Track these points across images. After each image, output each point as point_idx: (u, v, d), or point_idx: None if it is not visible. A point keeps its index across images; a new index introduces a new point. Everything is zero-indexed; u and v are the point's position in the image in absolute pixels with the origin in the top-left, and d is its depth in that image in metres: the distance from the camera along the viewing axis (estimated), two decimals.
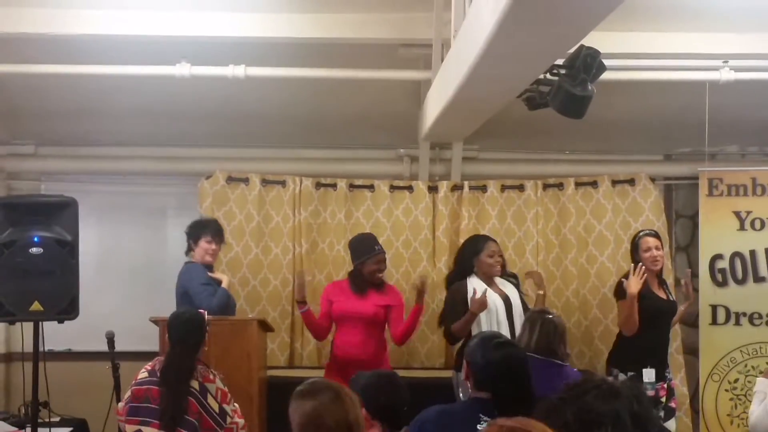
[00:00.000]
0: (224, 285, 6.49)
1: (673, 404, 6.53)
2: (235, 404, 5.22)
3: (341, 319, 6.54)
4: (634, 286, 6.33)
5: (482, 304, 6.26)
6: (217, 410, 5.09)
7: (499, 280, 6.67)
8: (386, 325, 6.64)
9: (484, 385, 3.99)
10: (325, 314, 6.62)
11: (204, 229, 6.67)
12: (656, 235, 6.68)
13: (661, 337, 6.52)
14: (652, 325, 6.44)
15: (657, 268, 6.58)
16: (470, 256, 6.67)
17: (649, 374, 6.26)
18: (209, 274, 6.56)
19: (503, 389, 3.93)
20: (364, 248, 6.61)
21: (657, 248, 6.57)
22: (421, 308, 6.61)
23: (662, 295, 6.60)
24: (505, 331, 6.14)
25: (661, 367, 6.43)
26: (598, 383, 2.73)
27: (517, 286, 6.75)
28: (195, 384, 5.12)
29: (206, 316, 5.44)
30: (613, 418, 2.61)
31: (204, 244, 6.61)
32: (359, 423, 3.31)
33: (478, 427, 3.86)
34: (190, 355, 5.21)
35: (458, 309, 6.45)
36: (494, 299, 6.44)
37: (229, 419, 5.12)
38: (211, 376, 5.18)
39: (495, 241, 6.81)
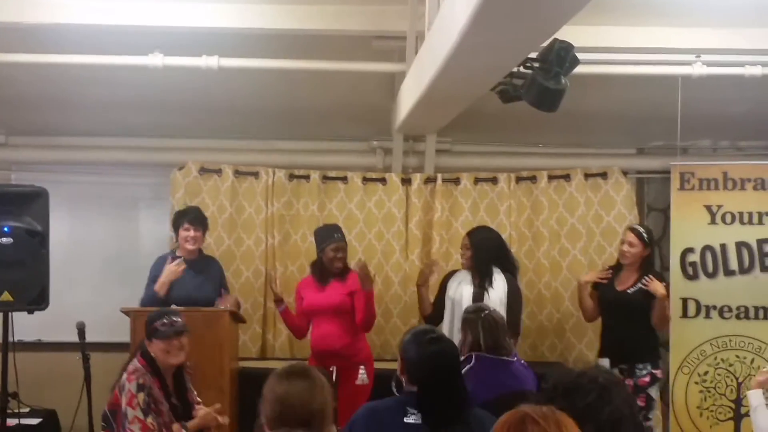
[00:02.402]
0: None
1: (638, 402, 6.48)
2: (147, 419, 4.95)
3: (312, 313, 6.52)
4: (584, 275, 6.99)
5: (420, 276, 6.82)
6: (123, 409, 4.98)
7: (498, 277, 6.61)
8: None
9: (416, 379, 4.00)
10: (300, 312, 6.60)
11: (182, 218, 6.66)
12: (633, 230, 6.74)
13: (617, 328, 6.58)
14: (605, 316, 6.75)
15: (625, 262, 6.69)
16: None
17: (602, 363, 6.34)
18: None
19: (433, 384, 3.93)
20: (323, 236, 6.60)
21: (629, 243, 6.65)
22: (368, 294, 6.42)
23: (621, 287, 6.64)
24: None
25: (626, 361, 6.44)
26: (604, 383, 2.92)
27: (511, 280, 6.62)
28: (123, 377, 5.05)
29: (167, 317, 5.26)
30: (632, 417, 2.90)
31: (182, 232, 6.60)
32: (324, 412, 3.31)
33: (405, 419, 3.88)
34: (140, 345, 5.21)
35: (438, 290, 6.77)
36: (462, 292, 6.48)
37: (127, 423, 4.95)
38: (134, 377, 5.03)
39: (467, 234, 6.81)
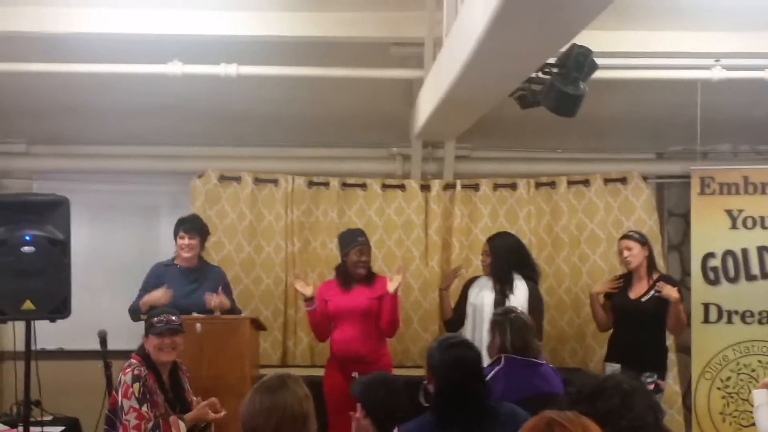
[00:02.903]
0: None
1: None
2: (142, 408, 5.04)
3: (338, 316, 6.46)
4: (595, 287, 6.98)
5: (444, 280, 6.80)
6: (119, 403, 5.09)
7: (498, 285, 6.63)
8: None
9: (438, 384, 4.00)
10: (323, 314, 6.54)
11: (179, 226, 6.67)
12: (628, 236, 6.75)
13: (629, 335, 6.54)
14: (618, 323, 6.70)
15: (630, 267, 6.68)
16: None
17: (611, 368, 6.31)
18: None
19: (452, 389, 3.93)
20: (347, 240, 6.57)
21: (627, 249, 6.65)
22: (393, 297, 6.43)
23: (634, 295, 6.63)
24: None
25: (633, 368, 6.34)
26: (628, 389, 2.88)
27: (533, 287, 6.62)
28: (120, 376, 5.19)
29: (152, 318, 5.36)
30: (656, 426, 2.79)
31: (178, 240, 6.63)
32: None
33: None
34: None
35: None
36: (483, 298, 6.47)
37: (123, 415, 5.05)
38: (129, 370, 5.16)
39: (488, 240, 6.82)
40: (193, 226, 6.65)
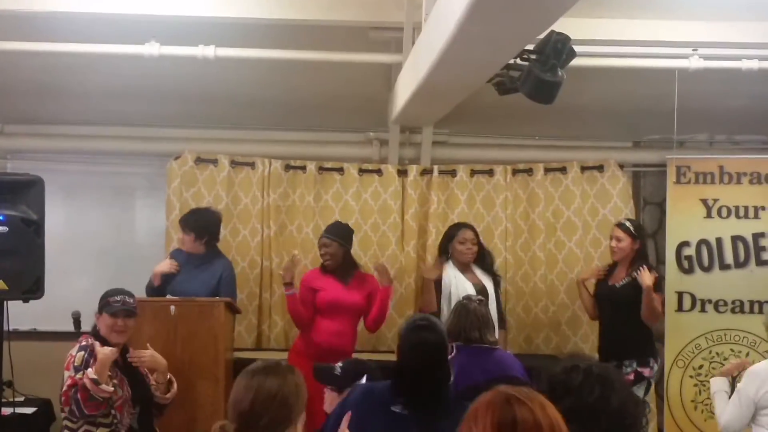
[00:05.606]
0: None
1: None
2: (77, 375, 5.01)
3: (329, 308, 6.47)
4: (582, 273, 7.05)
5: (432, 270, 6.71)
6: (64, 378, 5.12)
7: (478, 271, 6.68)
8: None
9: (400, 365, 4.06)
10: (308, 303, 6.51)
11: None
12: (619, 225, 6.76)
13: (608, 324, 6.59)
14: (600, 312, 6.78)
15: (615, 258, 6.73)
16: (446, 241, 6.81)
17: None
18: None
19: (412, 372, 3.97)
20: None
21: (617, 239, 6.68)
22: (387, 290, 6.57)
23: (615, 282, 6.66)
24: None
25: (615, 357, 6.32)
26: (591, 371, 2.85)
27: (497, 285, 6.78)
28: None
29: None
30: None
31: None
32: (257, 415, 3.26)
33: (392, 407, 3.92)
34: None
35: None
36: (466, 286, 6.49)
37: (64, 389, 5.08)
38: (77, 344, 5.21)
39: (471, 228, 6.84)
40: (186, 223, 6.70)
